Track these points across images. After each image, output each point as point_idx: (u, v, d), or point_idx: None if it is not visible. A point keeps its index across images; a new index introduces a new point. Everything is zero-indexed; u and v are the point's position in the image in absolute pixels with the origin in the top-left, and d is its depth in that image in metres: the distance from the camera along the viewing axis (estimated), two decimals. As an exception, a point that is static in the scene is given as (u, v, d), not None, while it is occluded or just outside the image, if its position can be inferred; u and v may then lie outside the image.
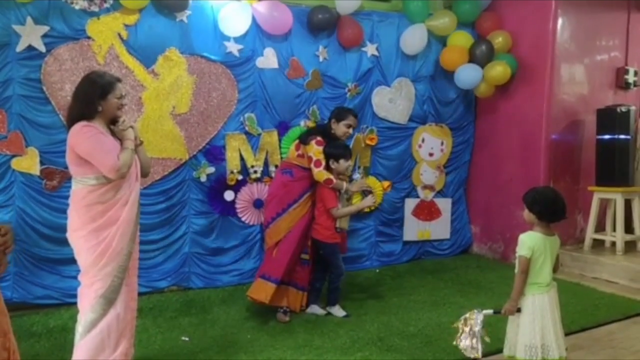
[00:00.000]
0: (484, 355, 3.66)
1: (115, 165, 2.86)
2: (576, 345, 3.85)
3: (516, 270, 3.07)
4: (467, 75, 6.05)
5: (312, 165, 4.30)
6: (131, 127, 3.10)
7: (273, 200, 4.48)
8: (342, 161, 4.34)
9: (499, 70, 5.97)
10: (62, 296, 4.52)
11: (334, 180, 4.26)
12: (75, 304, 3.08)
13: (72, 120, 2.96)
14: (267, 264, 4.40)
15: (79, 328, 2.94)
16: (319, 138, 4.36)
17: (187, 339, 3.94)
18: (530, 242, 3.01)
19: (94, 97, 2.95)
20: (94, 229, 2.91)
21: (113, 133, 3.07)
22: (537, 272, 3.04)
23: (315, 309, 4.46)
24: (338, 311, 4.43)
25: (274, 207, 4.44)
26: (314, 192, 4.44)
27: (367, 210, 5.66)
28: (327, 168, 4.34)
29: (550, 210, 3.08)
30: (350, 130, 4.55)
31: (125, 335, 3.03)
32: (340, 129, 4.47)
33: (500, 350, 3.72)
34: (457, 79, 6.14)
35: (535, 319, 2.98)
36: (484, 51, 6.02)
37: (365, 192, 4.41)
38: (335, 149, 4.38)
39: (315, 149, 4.31)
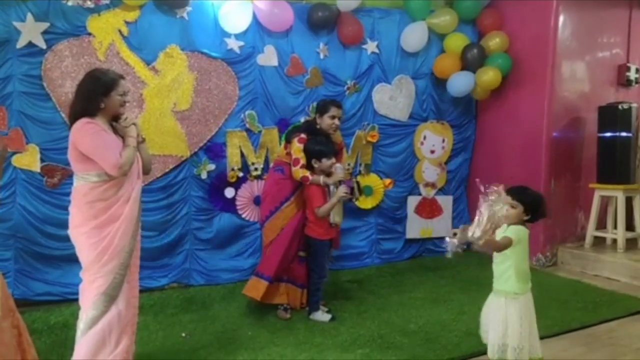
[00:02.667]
0: (481, 354, 3.67)
1: (117, 163, 2.85)
2: (576, 343, 3.86)
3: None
4: (459, 83, 6.06)
5: (291, 163, 4.27)
6: (134, 124, 3.09)
7: (267, 198, 4.48)
8: (324, 160, 4.22)
9: (490, 75, 5.96)
10: (63, 293, 4.52)
11: (310, 177, 4.17)
12: (76, 300, 3.08)
13: (74, 116, 2.95)
14: (261, 262, 4.44)
15: (80, 325, 2.93)
16: (302, 135, 4.29)
17: (187, 335, 3.94)
18: (523, 234, 2.96)
19: (97, 94, 2.94)
20: (95, 226, 2.91)
21: (115, 130, 3.07)
22: (524, 269, 3.01)
23: (318, 316, 4.34)
24: (322, 316, 4.30)
25: (268, 205, 4.44)
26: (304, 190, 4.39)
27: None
28: (310, 166, 4.25)
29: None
30: (336, 121, 4.41)
31: (126, 332, 3.02)
32: (325, 122, 4.37)
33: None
34: (450, 87, 6.14)
35: (524, 319, 2.95)
36: (476, 55, 6.02)
37: (341, 182, 4.32)
38: (318, 146, 4.25)
39: (295, 147, 4.26)
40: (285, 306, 4.38)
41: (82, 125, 2.88)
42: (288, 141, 4.41)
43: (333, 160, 4.28)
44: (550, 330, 4.01)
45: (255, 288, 4.29)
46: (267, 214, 4.40)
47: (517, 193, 3.03)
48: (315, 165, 4.24)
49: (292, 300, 4.43)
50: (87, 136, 2.87)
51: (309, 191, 4.25)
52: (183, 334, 3.95)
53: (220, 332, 4.02)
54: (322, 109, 4.43)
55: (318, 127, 4.41)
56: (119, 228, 2.95)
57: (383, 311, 4.48)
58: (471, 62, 6.03)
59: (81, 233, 2.93)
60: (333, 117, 4.38)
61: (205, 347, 3.73)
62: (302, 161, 4.22)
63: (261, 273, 4.33)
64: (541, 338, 3.87)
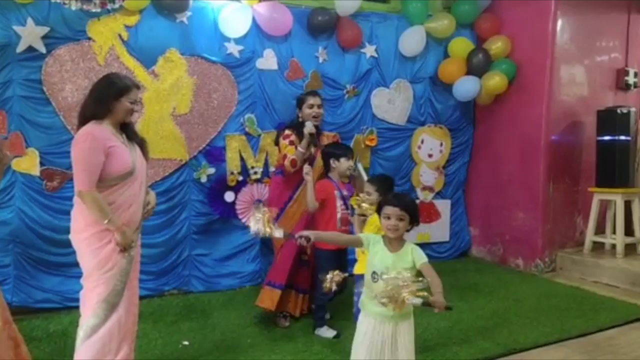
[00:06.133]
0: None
1: (83, 189, 2.84)
2: (577, 351, 3.86)
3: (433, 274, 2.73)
4: (465, 87, 6.12)
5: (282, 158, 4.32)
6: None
7: (272, 203, 4.47)
8: (342, 160, 4.20)
9: (496, 80, 6.02)
10: (63, 300, 4.52)
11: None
12: (75, 308, 3.07)
13: (84, 116, 2.97)
14: (272, 270, 4.38)
15: (80, 332, 2.92)
16: (286, 132, 4.33)
17: (187, 343, 3.92)
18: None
19: (108, 97, 2.95)
20: (98, 231, 2.89)
21: (127, 136, 3.08)
22: None
23: (323, 332, 4.17)
24: (326, 332, 4.15)
25: (273, 208, 4.42)
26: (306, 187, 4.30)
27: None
28: (327, 167, 4.25)
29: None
30: (316, 109, 4.37)
31: (126, 339, 3.01)
32: (305, 112, 4.37)
33: (501, 355, 3.74)
34: (456, 92, 6.20)
35: None
36: (481, 60, 6.06)
37: (350, 179, 4.35)
38: (336, 149, 4.29)
39: (282, 144, 4.31)
40: (285, 313, 4.34)
41: (84, 135, 2.88)
42: (276, 144, 4.47)
43: (351, 162, 4.25)
44: (549, 337, 4.02)
45: (270, 298, 4.22)
46: (274, 217, 4.37)
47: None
48: (334, 166, 4.22)
49: (292, 308, 4.39)
50: (79, 149, 2.86)
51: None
52: (184, 342, 3.94)
53: (220, 340, 4.00)
54: (300, 102, 4.46)
55: (301, 120, 4.40)
56: (122, 234, 2.94)
57: (381, 317, 4.46)
58: (476, 66, 6.07)
59: (83, 239, 2.92)
60: (312, 106, 4.37)
61: (204, 355, 3.72)
62: (290, 155, 4.22)
63: (273, 282, 4.27)
64: (541, 346, 3.91)
